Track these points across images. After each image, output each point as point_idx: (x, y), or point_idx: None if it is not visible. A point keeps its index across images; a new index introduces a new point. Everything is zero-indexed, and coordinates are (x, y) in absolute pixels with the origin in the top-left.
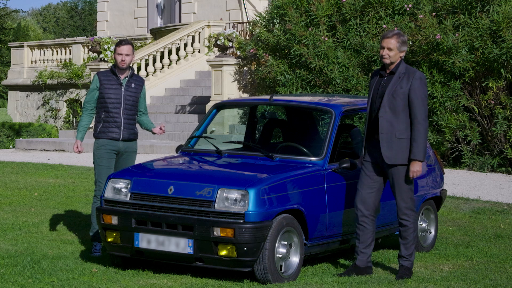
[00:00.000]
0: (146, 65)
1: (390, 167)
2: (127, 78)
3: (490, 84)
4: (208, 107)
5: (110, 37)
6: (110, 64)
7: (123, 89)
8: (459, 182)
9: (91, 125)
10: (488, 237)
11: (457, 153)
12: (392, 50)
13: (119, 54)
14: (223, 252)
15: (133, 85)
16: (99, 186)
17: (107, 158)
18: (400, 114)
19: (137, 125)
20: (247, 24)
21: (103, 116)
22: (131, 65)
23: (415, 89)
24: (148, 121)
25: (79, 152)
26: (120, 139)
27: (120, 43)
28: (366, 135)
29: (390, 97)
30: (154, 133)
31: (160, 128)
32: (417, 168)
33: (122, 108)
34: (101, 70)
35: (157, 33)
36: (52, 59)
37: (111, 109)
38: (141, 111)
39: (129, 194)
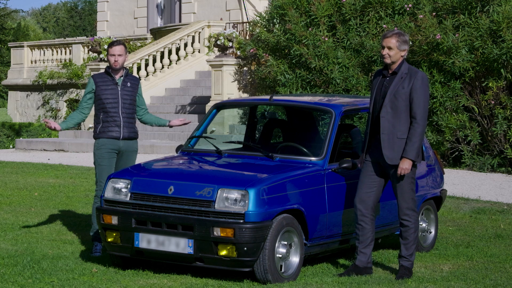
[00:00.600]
0: (146, 65)
1: (391, 168)
2: (122, 78)
3: (490, 84)
4: (208, 107)
5: (110, 37)
6: None
7: (119, 89)
8: (459, 182)
9: (91, 125)
10: (488, 237)
11: (457, 153)
12: (392, 50)
13: (112, 55)
14: (223, 252)
15: (129, 84)
16: (100, 186)
17: (107, 158)
18: (402, 115)
19: (142, 125)
20: (247, 24)
21: (102, 116)
22: (125, 66)
23: (417, 89)
24: (156, 118)
25: (51, 127)
26: (121, 137)
27: (112, 44)
28: (368, 135)
29: (392, 98)
30: (171, 127)
31: (180, 120)
32: (406, 166)
33: (120, 107)
34: (100, 70)
35: (157, 33)
36: (52, 59)
37: (110, 109)
38: (143, 108)
39: (129, 194)
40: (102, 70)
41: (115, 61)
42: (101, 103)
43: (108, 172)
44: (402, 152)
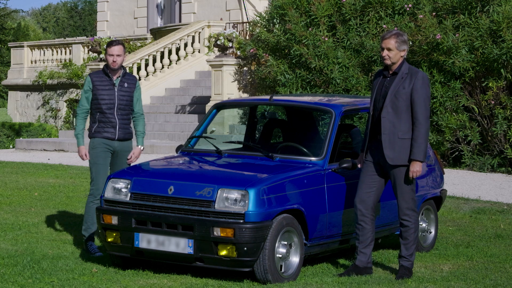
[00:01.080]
0: (146, 65)
1: (392, 168)
2: (119, 78)
3: (490, 84)
4: (208, 107)
5: (110, 37)
6: None
7: (116, 90)
8: (459, 182)
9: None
10: (488, 237)
11: (457, 153)
12: (392, 50)
13: (110, 55)
14: (223, 252)
15: (126, 85)
16: (96, 185)
17: (103, 157)
18: (403, 115)
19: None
20: (247, 24)
21: (98, 116)
22: (123, 66)
23: (418, 89)
24: (141, 133)
25: (84, 157)
26: (116, 138)
27: (110, 43)
28: (369, 135)
29: (392, 98)
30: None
31: (131, 157)
32: (417, 168)
33: (115, 109)
34: (93, 70)
35: (157, 33)
36: (52, 59)
37: (105, 109)
38: (137, 111)
39: (129, 194)
40: (94, 71)
41: (113, 61)
42: (97, 103)
43: (104, 171)
44: (404, 153)
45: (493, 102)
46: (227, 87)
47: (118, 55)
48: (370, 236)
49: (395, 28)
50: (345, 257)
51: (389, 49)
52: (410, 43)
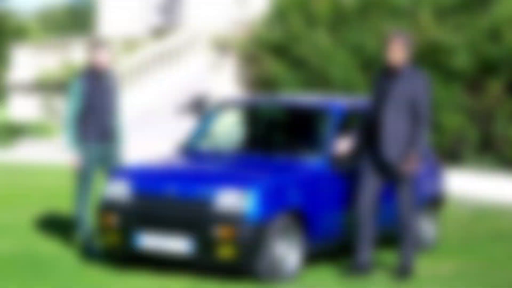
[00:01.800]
0: (146, 65)
1: (392, 167)
2: (107, 79)
3: (490, 84)
4: (208, 107)
5: (110, 37)
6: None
7: (105, 91)
8: (459, 182)
9: None
10: (488, 237)
11: (457, 153)
12: (397, 51)
13: (97, 56)
14: (223, 252)
15: (111, 86)
16: (82, 190)
17: (91, 163)
18: (404, 114)
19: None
20: (247, 24)
21: (87, 120)
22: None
23: (419, 89)
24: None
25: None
26: (105, 141)
27: (96, 44)
28: (368, 135)
29: (393, 97)
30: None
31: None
32: (411, 165)
33: (105, 112)
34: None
35: (157, 33)
36: (52, 59)
37: (96, 113)
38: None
39: (129, 194)
40: (82, 73)
41: (100, 61)
42: (88, 107)
43: (91, 177)
44: (405, 152)
45: (493, 102)
46: (227, 87)
47: (104, 56)
48: (370, 236)
49: (397, 29)
50: (345, 257)
51: (393, 49)
52: None
